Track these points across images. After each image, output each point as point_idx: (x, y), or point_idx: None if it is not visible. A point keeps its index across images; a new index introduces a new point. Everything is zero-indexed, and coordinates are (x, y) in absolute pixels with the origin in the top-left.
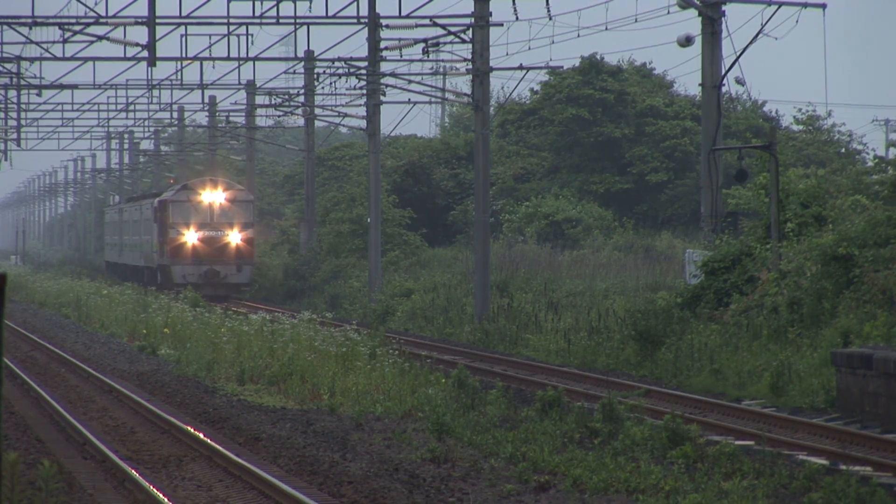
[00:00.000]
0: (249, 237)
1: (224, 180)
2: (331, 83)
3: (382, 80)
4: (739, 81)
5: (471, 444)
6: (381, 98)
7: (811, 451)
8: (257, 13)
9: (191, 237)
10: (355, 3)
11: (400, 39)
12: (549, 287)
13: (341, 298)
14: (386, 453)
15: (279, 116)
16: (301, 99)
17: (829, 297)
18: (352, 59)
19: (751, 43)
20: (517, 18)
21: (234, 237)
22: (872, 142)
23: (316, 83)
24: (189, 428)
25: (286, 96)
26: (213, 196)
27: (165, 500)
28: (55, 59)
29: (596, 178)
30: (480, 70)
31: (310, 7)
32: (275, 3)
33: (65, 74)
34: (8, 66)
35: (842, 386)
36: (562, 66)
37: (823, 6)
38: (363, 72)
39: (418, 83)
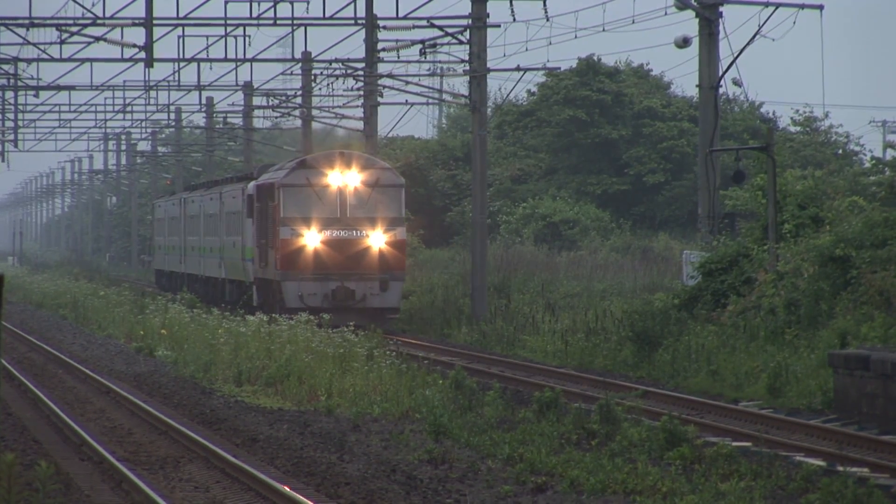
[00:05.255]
0: (398, 240)
1: (360, 154)
2: (328, 84)
3: (380, 82)
4: (737, 82)
5: (468, 445)
6: (379, 99)
7: (808, 453)
8: (254, 14)
9: (312, 239)
10: (352, 5)
11: (397, 41)
12: (546, 288)
13: None
14: (383, 454)
15: (277, 118)
16: (298, 100)
17: (826, 298)
18: (349, 60)
19: (748, 44)
20: (514, 20)
21: (377, 239)
22: (870, 143)
23: (313, 84)
24: (186, 429)
25: (283, 97)
26: (346, 178)
27: (162, 501)
28: (52, 60)
29: (593, 180)
30: (478, 71)
31: (307, 8)
32: (272, 4)
33: (62, 75)
34: (5, 67)
35: (839, 387)
36: (559, 68)
37: (821, 7)
38: (360, 73)
39: (416, 84)
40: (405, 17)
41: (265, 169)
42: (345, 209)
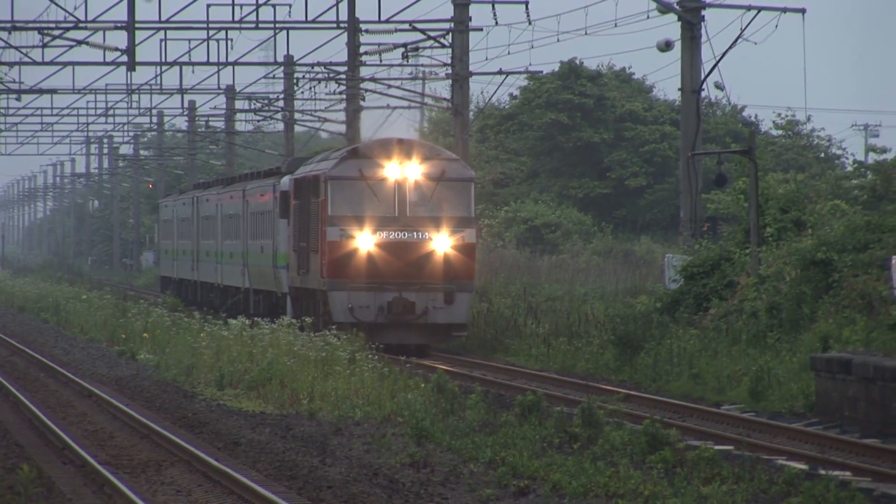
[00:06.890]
0: (467, 243)
1: (422, 142)
2: (310, 88)
3: (362, 85)
4: (719, 86)
5: (450, 448)
6: (361, 103)
7: (790, 456)
8: (237, 18)
9: (365, 242)
10: (335, 8)
11: (379, 44)
12: (528, 292)
13: None
14: (365, 458)
15: (259, 121)
16: (281, 104)
17: (808, 301)
18: (331, 63)
19: (730, 48)
20: (497, 23)
21: (442, 243)
22: (851, 146)
23: (295, 88)
24: (168, 433)
25: (266, 101)
26: (405, 170)
27: None
28: (34, 63)
29: (575, 183)
30: (460, 75)
31: (289, 12)
32: (254, 7)
33: (44, 79)
34: None
35: (821, 391)
36: (541, 71)
37: (803, 11)
38: (343, 76)
39: (398, 88)
40: (387, 21)
41: (299, 162)
42: (404, 207)
